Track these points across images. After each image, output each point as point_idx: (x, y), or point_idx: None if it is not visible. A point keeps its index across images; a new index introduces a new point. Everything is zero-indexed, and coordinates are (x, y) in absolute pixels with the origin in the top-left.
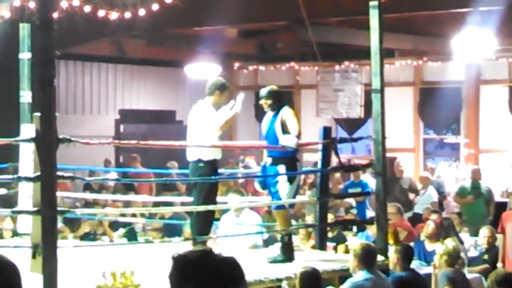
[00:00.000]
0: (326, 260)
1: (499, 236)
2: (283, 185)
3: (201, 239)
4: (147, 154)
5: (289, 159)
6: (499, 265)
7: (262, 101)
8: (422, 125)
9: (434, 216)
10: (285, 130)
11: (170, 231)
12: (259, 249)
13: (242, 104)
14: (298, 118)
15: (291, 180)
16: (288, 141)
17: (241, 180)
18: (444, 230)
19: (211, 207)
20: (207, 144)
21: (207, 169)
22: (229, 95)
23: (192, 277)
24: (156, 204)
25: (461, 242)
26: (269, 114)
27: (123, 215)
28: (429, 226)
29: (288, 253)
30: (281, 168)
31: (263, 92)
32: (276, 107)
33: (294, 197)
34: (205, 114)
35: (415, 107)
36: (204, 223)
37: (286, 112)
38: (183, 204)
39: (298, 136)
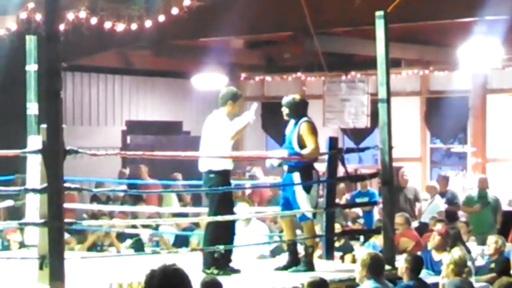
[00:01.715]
0: (333, 270)
1: (509, 245)
2: (301, 196)
3: (207, 249)
4: (154, 165)
5: (304, 167)
6: None
7: (282, 108)
8: (428, 135)
9: (439, 226)
10: (302, 144)
11: (180, 241)
12: (266, 259)
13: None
14: (315, 132)
15: (307, 189)
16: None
17: (247, 191)
18: (451, 239)
19: (218, 218)
20: (220, 154)
21: (218, 179)
22: (243, 104)
23: None
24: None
25: (468, 251)
26: (292, 122)
27: (134, 226)
28: (435, 238)
29: (310, 264)
30: (296, 176)
31: (283, 100)
32: (295, 116)
33: (315, 206)
34: (218, 125)
35: (421, 117)
36: (215, 234)
37: (303, 127)
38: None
39: (316, 149)
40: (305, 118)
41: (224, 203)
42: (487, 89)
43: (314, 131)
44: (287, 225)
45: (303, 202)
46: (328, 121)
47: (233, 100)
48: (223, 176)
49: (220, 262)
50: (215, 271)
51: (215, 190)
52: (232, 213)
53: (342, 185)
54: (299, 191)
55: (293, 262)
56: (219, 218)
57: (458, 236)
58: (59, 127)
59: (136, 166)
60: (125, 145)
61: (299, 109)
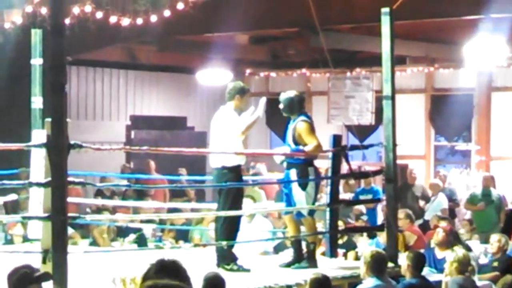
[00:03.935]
0: (336, 267)
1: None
2: (298, 193)
3: (210, 245)
4: (158, 160)
5: (300, 165)
6: None
7: (279, 105)
8: (433, 132)
9: (443, 224)
10: (298, 143)
11: (183, 236)
12: (269, 255)
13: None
14: (313, 130)
15: (303, 186)
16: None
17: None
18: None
19: (231, 212)
20: (231, 150)
21: (232, 175)
22: (249, 99)
23: None
24: (170, 210)
25: (469, 249)
26: (291, 119)
27: (144, 221)
28: (439, 234)
29: (313, 260)
30: (292, 173)
31: (280, 96)
32: (290, 113)
33: (313, 202)
34: (227, 120)
35: (426, 114)
36: (231, 229)
37: (300, 127)
38: (193, 210)
39: (319, 146)
40: (301, 117)
41: (238, 198)
42: (492, 87)
43: (312, 129)
44: (289, 222)
45: (300, 199)
46: (332, 118)
47: (240, 94)
48: (236, 172)
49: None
50: (235, 267)
51: (219, 186)
52: (241, 208)
53: (351, 182)
54: (295, 188)
55: (298, 258)
56: (223, 213)
57: (456, 236)
58: (64, 121)
59: (141, 160)
60: (129, 140)
61: (295, 106)
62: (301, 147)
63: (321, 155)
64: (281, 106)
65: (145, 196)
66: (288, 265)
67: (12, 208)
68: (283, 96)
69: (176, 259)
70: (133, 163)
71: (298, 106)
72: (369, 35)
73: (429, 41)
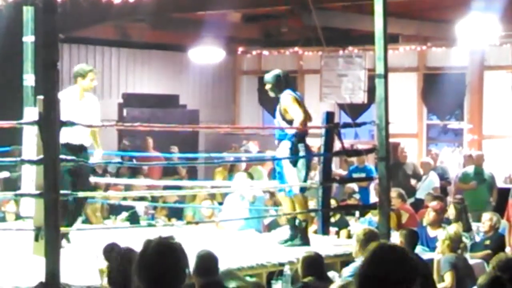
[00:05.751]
0: (329, 245)
1: (503, 222)
2: (288, 170)
3: (201, 222)
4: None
5: (291, 141)
6: (508, 249)
7: (266, 86)
8: (425, 111)
9: (434, 202)
10: (285, 117)
11: (176, 214)
12: (262, 233)
13: (245, 89)
14: (297, 101)
15: (294, 162)
16: None
17: (243, 164)
18: (459, 213)
19: (222, 190)
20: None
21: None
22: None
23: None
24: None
25: (470, 228)
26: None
27: (136, 199)
28: (430, 214)
29: (306, 238)
30: (283, 150)
31: (265, 77)
32: (278, 91)
33: (305, 179)
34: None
35: (418, 93)
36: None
37: (284, 100)
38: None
39: (305, 116)
40: (286, 91)
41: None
42: (484, 66)
43: (295, 101)
44: (283, 199)
45: (290, 176)
46: (325, 96)
47: (82, 77)
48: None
49: None
50: None
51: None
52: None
53: (352, 158)
54: (286, 164)
55: (295, 236)
56: (214, 190)
57: (465, 211)
58: (56, 98)
59: (135, 138)
60: (121, 118)
61: (281, 83)
62: (284, 124)
63: (314, 133)
64: (268, 86)
65: (138, 174)
66: (286, 241)
67: (8, 185)
68: (267, 76)
69: (173, 238)
70: (127, 141)
71: (286, 82)
72: (361, 13)
73: (422, 20)
